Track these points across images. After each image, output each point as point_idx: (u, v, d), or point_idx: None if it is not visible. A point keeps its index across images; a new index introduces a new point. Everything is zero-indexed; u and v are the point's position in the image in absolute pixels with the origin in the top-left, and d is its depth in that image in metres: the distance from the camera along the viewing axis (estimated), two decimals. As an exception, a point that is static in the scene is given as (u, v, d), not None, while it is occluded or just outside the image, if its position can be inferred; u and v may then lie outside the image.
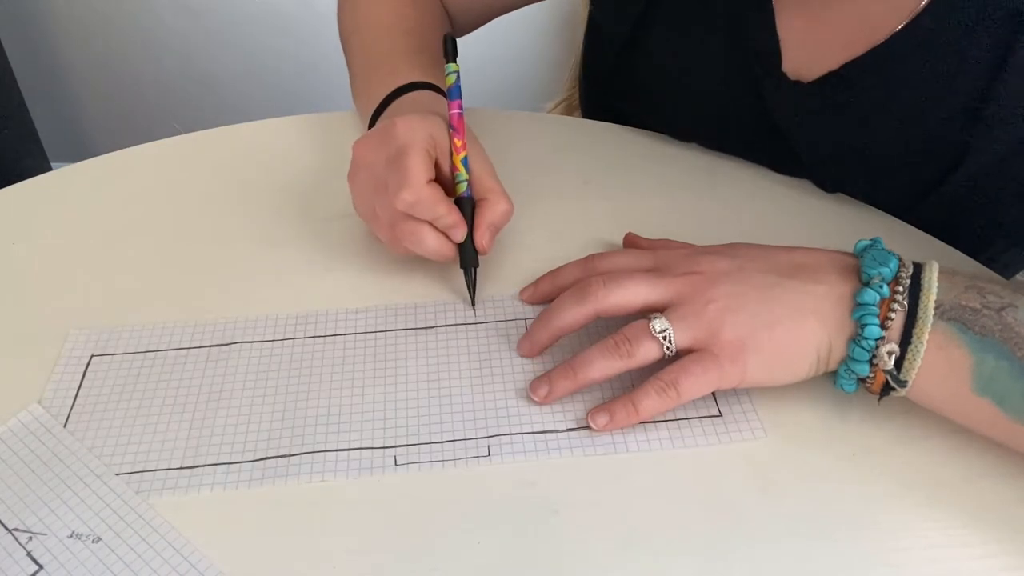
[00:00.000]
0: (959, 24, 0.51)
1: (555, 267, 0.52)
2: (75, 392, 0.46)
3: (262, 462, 0.43)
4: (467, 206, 0.50)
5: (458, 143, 0.49)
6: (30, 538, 0.39)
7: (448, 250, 0.49)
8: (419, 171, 0.47)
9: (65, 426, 0.44)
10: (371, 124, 0.56)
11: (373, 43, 0.62)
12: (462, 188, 0.50)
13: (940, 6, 0.51)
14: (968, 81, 0.52)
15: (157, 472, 0.42)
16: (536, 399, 0.45)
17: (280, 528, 0.40)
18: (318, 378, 0.47)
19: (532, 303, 0.52)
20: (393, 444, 0.44)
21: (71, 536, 0.39)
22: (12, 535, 0.39)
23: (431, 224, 0.49)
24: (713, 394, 0.46)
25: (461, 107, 0.49)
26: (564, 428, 0.44)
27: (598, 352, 0.44)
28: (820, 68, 0.56)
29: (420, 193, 0.47)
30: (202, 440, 0.44)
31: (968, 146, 0.54)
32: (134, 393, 0.46)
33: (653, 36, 0.63)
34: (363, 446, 0.44)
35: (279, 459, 0.43)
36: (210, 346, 0.49)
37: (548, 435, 0.44)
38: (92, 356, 0.48)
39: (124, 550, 0.39)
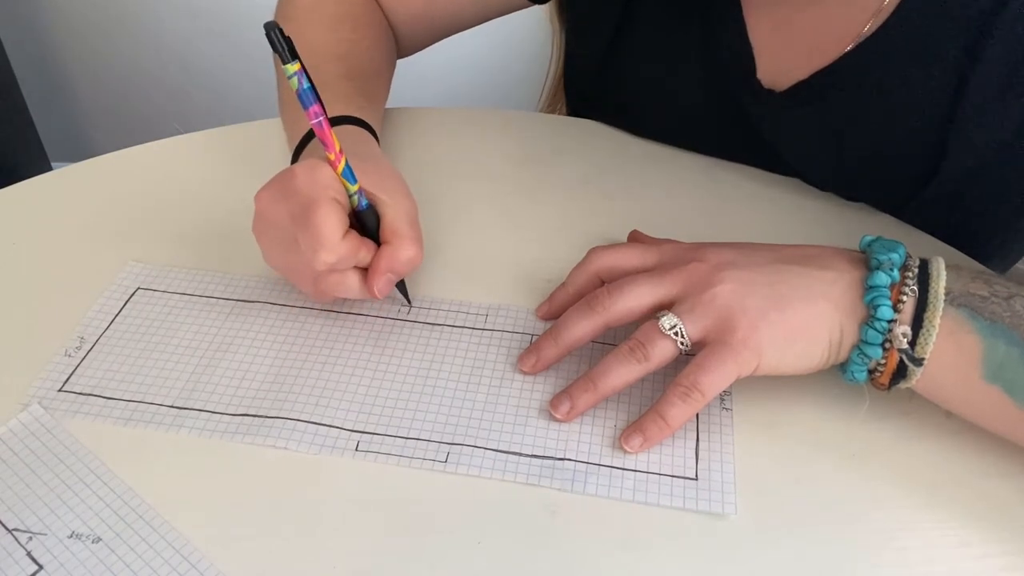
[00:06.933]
0: (924, 30, 0.51)
1: (555, 265, 0.52)
2: (112, 318, 0.50)
3: (240, 418, 0.45)
4: (369, 217, 0.47)
5: (330, 156, 0.45)
6: (30, 538, 0.39)
7: None
8: (332, 229, 0.44)
9: (91, 349, 0.48)
10: (294, 159, 0.54)
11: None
12: (355, 202, 0.46)
13: (905, 12, 0.51)
14: (937, 87, 0.52)
15: (151, 405, 0.45)
16: (558, 416, 0.45)
17: (280, 528, 0.40)
18: (317, 351, 0.49)
19: (550, 318, 0.50)
20: (361, 430, 0.44)
21: (71, 536, 0.39)
22: (12, 535, 0.39)
23: (355, 268, 0.47)
24: (696, 454, 0.44)
25: (320, 113, 0.44)
26: (529, 453, 0.44)
27: (614, 360, 0.44)
28: (791, 77, 0.57)
29: (338, 251, 0.44)
30: (198, 385, 0.47)
31: (944, 152, 0.54)
32: (159, 329, 0.50)
33: (628, 55, 0.63)
34: (333, 424, 0.44)
35: (255, 418, 0.45)
36: (237, 300, 0.52)
37: (509, 455, 0.44)
38: (138, 288, 0.52)
39: (124, 550, 0.39)
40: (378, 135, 0.56)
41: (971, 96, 0.51)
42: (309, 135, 0.53)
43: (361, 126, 0.54)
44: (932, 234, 0.57)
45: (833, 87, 0.55)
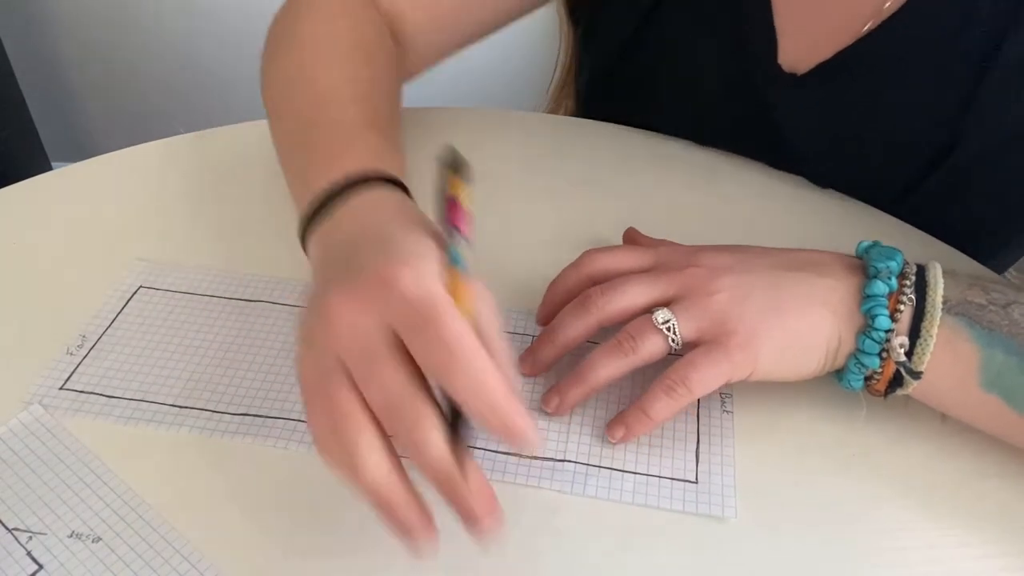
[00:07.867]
0: (950, 15, 0.51)
1: (555, 265, 0.52)
2: (114, 317, 0.50)
3: (241, 417, 0.45)
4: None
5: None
6: (30, 538, 0.39)
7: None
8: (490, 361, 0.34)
9: (93, 347, 0.48)
10: (305, 221, 0.43)
11: (312, 110, 0.49)
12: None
13: None
14: (958, 72, 0.52)
15: (152, 404, 0.45)
16: (549, 411, 0.45)
17: (280, 528, 0.40)
18: None
19: (547, 322, 0.48)
20: None
21: (71, 536, 0.39)
22: (12, 535, 0.39)
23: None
24: (696, 456, 0.44)
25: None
26: (529, 454, 0.44)
27: (602, 353, 0.44)
28: (813, 59, 0.56)
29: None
30: (199, 384, 0.47)
31: (958, 137, 0.54)
32: (161, 328, 0.50)
33: (655, 38, 0.63)
34: None
35: (256, 418, 0.45)
36: (239, 299, 0.52)
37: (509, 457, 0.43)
38: (140, 287, 0.52)
39: (124, 550, 0.39)
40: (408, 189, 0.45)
41: (991, 80, 0.51)
42: (327, 199, 0.42)
43: (400, 187, 0.44)
44: (932, 230, 0.57)
45: (855, 67, 0.55)
